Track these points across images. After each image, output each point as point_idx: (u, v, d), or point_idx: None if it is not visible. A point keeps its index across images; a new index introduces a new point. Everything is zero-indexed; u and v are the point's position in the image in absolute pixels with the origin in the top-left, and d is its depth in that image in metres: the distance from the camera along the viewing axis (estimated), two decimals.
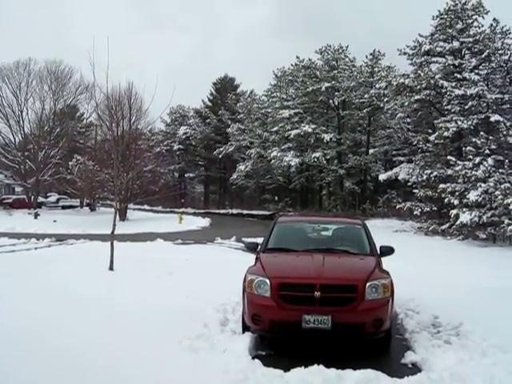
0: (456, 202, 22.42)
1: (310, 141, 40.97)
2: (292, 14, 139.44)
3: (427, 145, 28.21)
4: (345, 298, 5.81)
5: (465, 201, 21.80)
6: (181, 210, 50.07)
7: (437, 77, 28.07)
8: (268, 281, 5.96)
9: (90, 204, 48.05)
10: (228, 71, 69.32)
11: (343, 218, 11.01)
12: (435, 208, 26.14)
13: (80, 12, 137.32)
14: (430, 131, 30.47)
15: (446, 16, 29.60)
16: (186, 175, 64.08)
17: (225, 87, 62.37)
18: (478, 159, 22.65)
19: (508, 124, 26.03)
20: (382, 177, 34.05)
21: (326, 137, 39.80)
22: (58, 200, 52.23)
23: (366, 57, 42.58)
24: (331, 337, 5.87)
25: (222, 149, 54.46)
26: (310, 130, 39.59)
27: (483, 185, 21.27)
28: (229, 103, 58.12)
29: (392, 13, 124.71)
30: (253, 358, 5.47)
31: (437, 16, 29.97)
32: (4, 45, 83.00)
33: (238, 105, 55.25)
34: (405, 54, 30.94)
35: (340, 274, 6.23)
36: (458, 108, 27.21)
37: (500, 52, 28.20)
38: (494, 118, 25.54)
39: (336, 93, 41.44)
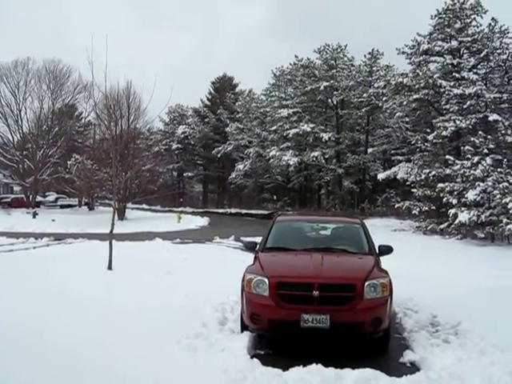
0: (454, 201, 22.43)
1: (308, 140, 40.98)
2: (290, 13, 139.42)
3: (426, 144, 28.24)
4: (343, 297, 5.81)
5: (463, 200, 21.82)
6: (179, 209, 50.09)
7: (435, 76, 28.09)
8: (266, 280, 5.96)
9: (89, 203, 48.02)
10: (227, 70, 69.28)
11: (342, 217, 11.00)
12: (434, 207, 26.15)
13: (79, 11, 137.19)
14: (428, 130, 30.50)
15: (444, 15, 29.62)
16: (184, 174, 64.08)
17: (223, 86, 62.35)
18: (476, 158, 22.67)
19: (506, 123, 26.06)
20: (381, 176, 34.09)
21: (325, 136, 39.82)
22: (57, 199, 52.17)
23: (365, 56, 42.66)
24: (330, 336, 5.88)
25: (220, 148, 54.47)
26: (308, 130, 39.61)
27: (482, 184, 21.29)
28: (227, 102, 58.11)
29: (391, 12, 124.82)
30: (251, 357, 5.47)
31: (435, 15, 29.99)
32: (2, 44, 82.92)
33: (236, 104, 55.23)
34: (403, 53, 30.96)
35: (338, 273, 6.23)
36: (457, 107, 27.24)
37: (498, 51, 28.22)
38: (493, 117, 25.56)
39: (335, 92, 41.46)
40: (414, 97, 28.47)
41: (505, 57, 28.07)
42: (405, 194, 31.63)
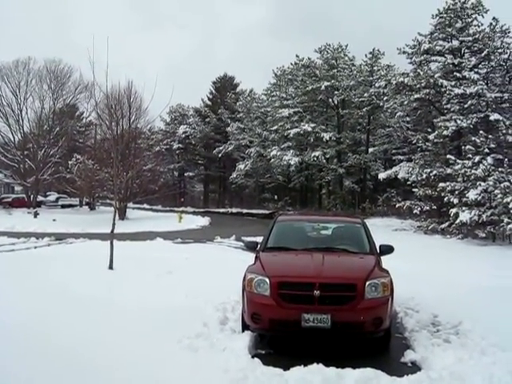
0: (455, 200, 22.42)
1: (309, 140, 40.99)
2: (291, 13, 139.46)
3: (427, 144, 28.22)
4: (344, 297, 5.80)
5: (464, 200, 21.80)
6: (180, 208, 50.09)
7: (436, 76, 28.07)
8: (267, 280, 5.96)
9: (90, 203, 48.04)
10: (227, 70, 69.28)
11: (343, 216, 11.00)
12: (435, 207, 26.16)
13: (80, 11, 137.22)
14: (429, 130, 30.48)
15: (445, 15, 29.61)
16: (185, 174, 64.10)
17: (224, 86, 62.37)
18: (477, 158, 22.66)
19: (507, 123, 26.03)
20: (382, 176, 34.05)
21: (326, 136, 39.81)
22: (58, 199, 52.21)
23: (366, 56, 42.66)
24: (331, 335, 5.87)
25: (221, 148, 54.49)
26: (309, 129, 39.61)
27: (483, 184, 21.27)
28: (228, 102, 58.12)
29: (391, 12, 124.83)
30: (252, 357, 5.47)
31: (436, 15, 29.97)
32: (3, 44, 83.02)
33: (237, 104, 55.27)
34: (404, 52, 30.95)
35: (339, 272, 6.23)
36: (458, 107, 27.23)
37: (499, 51, 28.21)
38: (494, 116, 25.55)
39: (335, 92, 41.46)
40: (415, 96, 28.46)
41: (506, 56, 28.05)
42: (406, 194, 31.61)
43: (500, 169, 21.76)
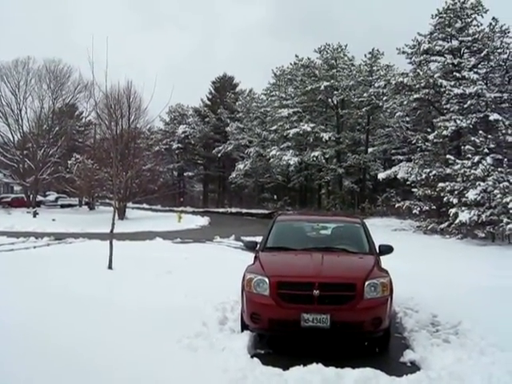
0: (455, 200, 22.43)
1: (308, 140, 40.99)
2: (291, 13, 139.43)
3: (426, 144, 28.22)
4: (344, 297, 5.81)
5: (464, 200, 21.81)
6: (180, 208, 50.10)
7: (436, 76, 28.08)
8: (267, 279, 5.96)
9: (89, 203, 48.01)
10: (227, 70, 69.28)
11: (342, 216, 10.99)
12: (434, 207, 26.16)
13: (79, 11, 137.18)
14: (429, 130, 30.49)
15: (445, 15, 29.61)
16: (185, 174, 64.10)
17: (224, 86, 62.36)
18: (476, 158, 22.66)
19: (507, 123, 26.04)
20: (381, 176, 34.07)
21: (325, 136, 39.82)
22: (57, 199, 52.16)
23: (365, 56, 42.68)
24: (330, 335, 5.88)
25: (220, 148, 54.48)
26: (308, 129, 39.62)
27: (482, 184, 21.28)
28: (228, 102, 58.12)
29: (391, 12, 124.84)
30: (252, 357, 5.47)
31: (436, 15, 29.98)
32: (3, 44, 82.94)
33: (236, 104, 55.27)
34: (404, 52, 30.95)
35: (339, 272, 6.23)
36: (457, 107, 27.24)
37: (499, 51, 28.22)
38: (493, 116, 25.56)
39: (335, 92, 41.46)
40: (415, 96, 28.47)
41: (505, 56, 28.07)
42: (405, 194, 31.63)
43: (499, 169, 21.76)
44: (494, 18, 28.76)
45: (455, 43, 29.47)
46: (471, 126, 26.23)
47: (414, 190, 27.18)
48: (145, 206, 54.10)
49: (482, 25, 29.20)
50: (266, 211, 43.10)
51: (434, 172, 25.96)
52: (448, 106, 27.67)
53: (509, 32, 28.40)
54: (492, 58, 28.25)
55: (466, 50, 29.86)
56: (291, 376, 4.93)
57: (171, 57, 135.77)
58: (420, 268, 12.07)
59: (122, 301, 7.64)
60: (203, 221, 37.39)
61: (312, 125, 40.23)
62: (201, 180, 66.68)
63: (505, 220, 20.01)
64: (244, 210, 48.76)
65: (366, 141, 42.64)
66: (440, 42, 29.75)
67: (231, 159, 55.35)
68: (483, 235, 21.37)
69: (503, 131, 25.57)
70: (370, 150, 41.61)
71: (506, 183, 20.71)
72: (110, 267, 11.06)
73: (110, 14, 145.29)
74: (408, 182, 28.91)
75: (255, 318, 5.98)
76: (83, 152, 44.66)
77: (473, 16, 29.37)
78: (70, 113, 49.84)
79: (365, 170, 43.08)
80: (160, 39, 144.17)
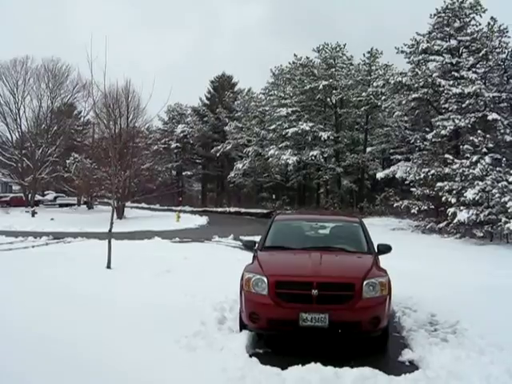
0: (453, 200, 22.44)
1: (307, 139, 40.97)
2: (289, 12, 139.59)
3: (425, 143, 28.21)
4: (342, 296, 5.81)
5: (462, 199, 21.82)
6: (178, 208, 50.04)
7: (434, 75, 28.08)
8: (265, 279, 5.96)
9: (88, 202, 47.99)
10: (226, 69, 69.15)
11: (341, 216, 11.00)
12: (432, 206, 26.16)
13: (78, 10, 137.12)
14: (427, 129, 30.49)
15: (443, 14, 29.60)
16: (183, 173, 64.06)
17: (222, 85, 62.32)
18: (475, 157, 22.66)
19: (505, 122, 26.06)
20: (380, 175, 34.04)
21: (324, 135, 39.79)
22: (56, 198, 52.16)
23: (364, 55, 42.74)
24: (328, 335, 5.88)
25: (219, 147, 54.41)
26: (307, 128, 39.60)
27: (480, 183, 21.28)
28: (226, 101, 58.10)
29: (390, 11, 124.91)
30: (250, 356, 5.48)
31: (434, 14, 29.96)
32: (1, 43, 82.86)
33: (235, 103, 55.25)
34: (402, 52, 30.91)
35: (337, 272, 6.24)
36: (456, 106, 27.23)
37: (497, 50, 28.21)
38: (492, 116, 25.55)
39: (333, 91, 41.43)
40: (413, 96, 28.46)
41: (504, 56, 28.08)
42: (404, 193, 31.62)
43: (498, 168, 21.77)
44: (492, 18, 28.74)
45: (454, 43, 29.46)
46: (470, 126, 26.22)
47: (412, 189, 27.20)
48: (143, 205, 54.05)
49: (480, 24, 29.21)
50: (265, 210, 43.12)
51: (432, 171, 25.96)
52: (446, 105, 27.66)
53: (507, 32, 28.38)
54: (490, 57, 28.23)
55: (464, 50, 29.85)
56: (290, 375, 4.94)
57: (170, 56, 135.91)
58: (418, 267, 12.07)
59: (120, 300, 7.64)
60: (202, 220, 37.36)
61: (311, 124, 40.20)
62: (199, 179, 66.66)
63: (503, 219, 20.02)
64: (243, 210, 48.73)
65: (364, 140, 42.65)
66: (438, 42, 29.72)
67: (230, 158, 55.33)
68: (481, 235, 21.36)
69: (502, 131, 25.58)
70: (368, 149, 41.60)
71: (505, 183, 20.72)
72: (108, 266, 11.07)
73: (108, 13, 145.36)
74: (406, 182, 28.92)
75: (254, 318, 5.98)
76: (82, 151, 44.63)
77: (471, 16, 29.36)
78: (69, 112, 49.78)
79: (363, 170, 43.07)
80: (159, 38, 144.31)
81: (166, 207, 54.48)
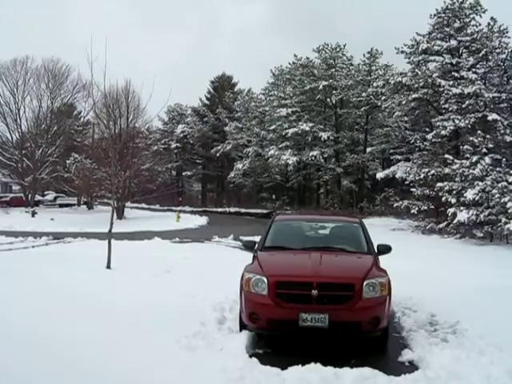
0: (453, 200, 22.44)
1: (307, 139, 40.99)
2: (289, 11, 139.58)
3: (425, 143, 28.22)
4: (342, 297, 5.81)
5: (462, 199, 21.81)
6: (178, 208, 50.02)
7: (434, 75, 28.10)
8: (265, 279, 5.96)
9: (88, 202, 47.97)
10: (225, 69, 69.22)
11: (341, 216, 10.99)
12: (432, 206, 26.15)
13: (78, 10, 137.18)
14: (427, 130, 30.51)
15: (443, 15, 29.61)
16: (183, 173, 64.08)
17: (222, 85, 62.32)
18: (475, 158, 22.67)
19: (505, 123, 26.07)
20: (380, 175, 34.06)
21: (324, 135, 39.81)
22: (56, 198, 52.13)
23: (364, 55, 42.76)
24: (328, 335, 5.88)
25: (219, 147, 54.40)
26: (307, 129, 39.61)
27: (480, 183, 21.28)
28: (226, 101, 58.12)
29: (390, 11, 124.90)
30: (250, 356, 5.48)
31: (434, 15, 29.97)
32: (1, 43, 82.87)
33: (235, 103, 55.28)
34: (402, 52, 30.92)
35: (337, 272, 6.24)
36: (456, 107, 27.23)
37: (497, 51, 28.22)
38: (492, 116, 25.56)
39: (333, 91, 41.45)
40: (413, 96, 28.47)
41: (504, 56, 28.11)
42: (404, 194, 31.63)
43: (498, 169, 21.77)
44: (492, 18, 28.75)
45: (454, 43, 29.47)
46: (470, 126, 26.22)
47: (412, 189, 27.19)
48: (143, 205, 54.03)
49: (480, 25, 29.23)
50: (265, 211, 43.12)
51: (432, 172, 25.95)
52: (446, 105, 27.66)
53: (507, 32, 28.40)
54: (490, 57, 28.24)
55: (464, 50, 29.86)
56: (289, 375, 4.94)
57: (170, 56, 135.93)
58: (418, 268, 12.07)
59: (120, 300, 7.64)
60: (202, 220, 37.35)
61: (311, 124, 40.22)
62: (199, 179, 66.66)
63: (503, 220, 20.01)
64: (243, 210, 48.72)
65: (364, 140, 42.65)
66: (438, 42, 29.73)
67: (230, 159, 55.33)
68: (481, 235, 21.36)
69: (502, 131, 25.59)
70: (368, 149, 41.61)
71: (505, 183, 20.71)
72: (108, 267, 11.06)
73: (109, 14, 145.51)
74: (406, 182, 28.92)
75: (254, 318, 5.98)
76: (82, 151, 44.62)
77: (471, 16, 29.37)
78: (69, 112, 49.77)
79: (363, 170, 43.08)
80: (159, 38, 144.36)
81: (165, 207, 54.44)
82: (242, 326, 6.28)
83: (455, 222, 21.81)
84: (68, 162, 43.18)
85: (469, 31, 29.11)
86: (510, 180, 20.95)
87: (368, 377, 4.91)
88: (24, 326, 6.00)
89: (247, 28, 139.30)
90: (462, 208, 21.62)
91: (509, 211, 19.78)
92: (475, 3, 29.18)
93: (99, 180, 36.71)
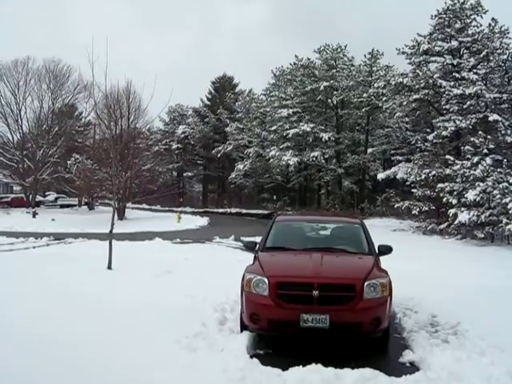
0: (454, 201, 22.43)
1: (308, 140, 40.98)
2: (289, 11, 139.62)
3: (425, 144, 28.19)
4: (343, 297, 5.81)
5: (463, 200, 21.80)
6: (179, 209, 50.06)
7: (435, 76, 28.07)
8: (266, 280, 5.96)
9: (89, 203, 47.98)
10: (226, 69, 69.50)
11: (341, 217, 11.01)
12: (433, 207, 26.14)
13: (78, 10, 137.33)
14: (428, 130, 30.49)
15: (444, 15, 29.58)
16: (184, 174, 64.07)
17: (223, 86, 62.34)
18: (476, 158, 22.66)
19: (506, 123, 26.05)
20: (381, 176, 34.06)
21: (325, 136, 39.81)
22: (57, 199, 52.13)
23: (365, 56, 42.69)
24: (329, 336, 5.88)
25: (220, 148, 54.42)
26: (308, 129, 39.61)
27: (481, 184, 21.28)
28: (227, 102, 58.12)
29: (390, 12, 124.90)
30: (251, 357, 5.48)
31: (435, 15, 29.95)
32: (2, 43, 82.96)
33: (236, 104, 55.29)
34: (403, 53, 30.89)
35: (338, 273, 6.24)
36: (457, 107, 27.21)
37: (498, 51, 28.19)
38: (493, 117, 25.54)
39: (334, 92, 41.45)
40: (414, 97, 28.45)
41: (505, 57, 28.05)
42: (405, 194, 31.60)
43: (499, 169, 21.77)
44: (493, 19, 28.73)
45: (455, 44, 29.45)
46: (471, 127, 26.20)
47: (413, 190, 27.17)
48: (144, 206, 54.08)
49: (481, 25, 29.19)
50: (266, 211, 43.10)
51: (433, 172, 25.93)
52: (447, 106, 27.64)
53: (508, 33, 28.39)
54: (491, 58, 28.21)
55: (465, 51, 29.83)
56: (290, 376, 4.93)
57: (170, 56, 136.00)
58: (419, 268, 12.06)
59: (121, 301, 7.64)
60: (203, 221, 37.36)
61: (311, 125, 40.21)
62: (200, 180, 66.67)
63: (504, 221, 20.00)
64: (243, 211, 48.72)
65: (365, 141, 42.63)
66: (439, 43, 29.72)
67: (231, 159, 55.34)
68: (482, 236, 21.36)
69: (503, 132, 25.57)
70: (369, 150, 41.61)
71: (506, 184, 20.71)
72: (109, 267, 11.06)
73: (109, 14, 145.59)
74: (407, 183, 28.91)
75: (254, 319, 5.98)
76: (83, 152, 44.66)
77: (472, 17, 29.34)
78: (70, 113, 49.81)
79: (364, 171, 43.07)
80: (159, 38, 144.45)
81: (166, 208, 54.48)
82: (243, 327, 6.28)
83: (456, 222, 21.80)
84: (69, 162, 43.21)
85: (470, 32, 29.09)
86: (510, 181, 20.95)
87: (369, 377, 4.91)
88: (24, 327, 6.00)
89: (247, 28, 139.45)
90: (463, 209, 21.61)
91: (510, 212, 19.77)
92: (476, 4, 29.17)
93: (100, 181, 36.69)
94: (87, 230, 25.20)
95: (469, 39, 28.87)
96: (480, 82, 27.35)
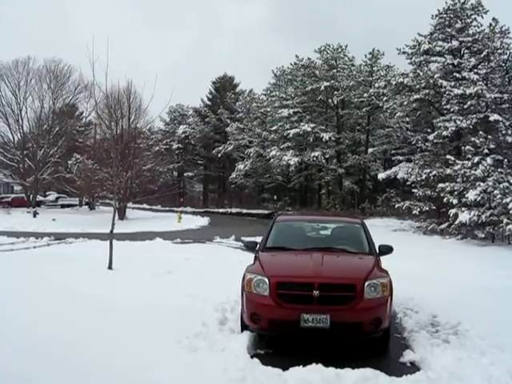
0: (455, 201, 22.42)
1: (309, 140, 40.97)
2: (289, 11, 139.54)
3: (426, 144, 28.17)
4: (343, 297, 5.81)
5: (464, 200, 21.80)
6: (180, 209, 50.06)
7: (436, 76, 28.06)
8: (267, 280, 5.96)
9: (89, 203, 48.00)
10: (226, 69, 69.49)
11: (342, 217, 11.01)
12: (434, 207, 26.13)
13: (78, 10, 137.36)
14: (429, 130, 30.47)
15: (445, 15, 29.57)
16: (185, 174, 64.08)
17: (224, 86, 62.36)
18: (476, 158, 22.66)
19: (507, 123, 26.02)
20: (381, 176, 34.05)
21: (325, 136, 39.80)
22: (57, 199, 52.16)
23: (365, 56, 42.66)
24: (330, 336, 5.88)
25: (221, 148, 54.42)
26: (309, 129, 39.60)
27: (482, 184, 21.27)
28: (228, 102, 58.13)
29: (391, 12, 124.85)
30: (251, 357, 5.48)
31: (436, 15, 29.93)
32: (3, 43, 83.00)
33: (237, 104, 55.31)
34: (404, 53, 30.87)
35: (339, 272, 6.23)
36: (457, 107, 27.19)
37: (499, 51, 28.14)
38: (493, 117, 25.51)
39: (335, 92, 41.44)
40: (415, 97, 28.43)
41: (505, 57, 28.00)
42: (405, 194, 31.60)
43: (499, 169, 21.77)
44: (494, 19, 28.69)
45: (455, 44, 29.42)
46: (471, 127, 26.18)
47: (414, 190, 27.16)
48: (145, 206, 54.10)
49: (482, 25, 29.16)
50: (266, 211, 43.10)
51: (434, 172, 25.91)
52: (448, 106, 27.62)
53: (509, 33, 28.35)
54: (492, 58, 28.18)
55: (466, 51, 29.81)
56: (291, 376, 4.93)
57: (170, 56, 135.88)
58: (420, 268, 12.06)
59: (121, 301, 7.64)
60: (203, 221, 37.38)
61: (312, 125, 40.21)
62: (201, 180, 66.69)
63: (505, 221, 20.00)
64: (244, 211, 48.73)
65: (366, 141, 42.62)
66: (440, 43, 29.68)
67: (231, 159, 55.33)
68: (483, 236, 21.35)
69: (503, 132, 25.55)
70: (370, 150, 41.60)
71: (506, 184, 20.70)
72: (110, 267, 11.07)
73: (110, 14, 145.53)
74: (408, 183, 28.88)
75: (255, 319, 5.98)
76: (83, 152, 44.69)
77: (473, 16, 29.31)
78: (70, 113, 49.83)
79: (365, 171, 43.06)
80: (159, 38, 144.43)
81: (167, 208, 54.49)
82: (244, 327, 6.28)
83: (457, 222, 21.80)
84: (70, 162, 43.22)
85: (470, 32, 29.06)
86: (511, 181, 20.94)
87: (369, 377, 4.91)
88: (25, 327, 6.00)
89: (247, 28, 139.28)
90: (463, 209, 21.61)
91: (510, 212, 19.77)
92: (477, 4, 29.15)
93: (101, 180, 36.71)
94: (88, 229, 25.21)
95: (469, 39, 28.84)
96: (481, 82, 27.32)
